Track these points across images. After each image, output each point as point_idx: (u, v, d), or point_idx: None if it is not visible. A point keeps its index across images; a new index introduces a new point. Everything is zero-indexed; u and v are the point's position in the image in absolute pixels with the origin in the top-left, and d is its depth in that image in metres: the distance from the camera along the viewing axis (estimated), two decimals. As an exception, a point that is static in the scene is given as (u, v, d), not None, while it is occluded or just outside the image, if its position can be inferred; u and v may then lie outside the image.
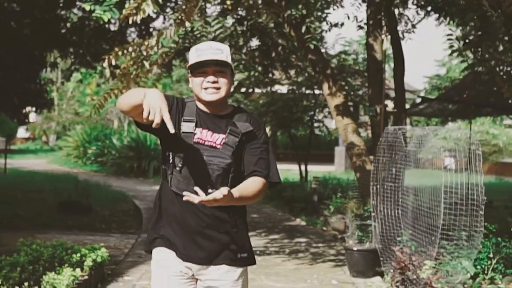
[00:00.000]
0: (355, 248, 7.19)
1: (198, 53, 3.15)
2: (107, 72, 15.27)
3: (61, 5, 12.46)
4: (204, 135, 3.14)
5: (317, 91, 15.18)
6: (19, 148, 35.32)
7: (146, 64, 6.80)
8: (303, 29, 8.76)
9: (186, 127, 3.14)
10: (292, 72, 12.38)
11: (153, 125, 2.77)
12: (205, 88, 3.13)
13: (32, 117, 23.74)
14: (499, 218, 8.95)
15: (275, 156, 3.37)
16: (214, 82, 3.12)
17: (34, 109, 16.47)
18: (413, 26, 9.98)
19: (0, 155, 20.82)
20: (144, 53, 6.71)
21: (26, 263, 6.06)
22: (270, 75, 11.59)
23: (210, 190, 2.88)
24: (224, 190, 2.83)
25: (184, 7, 6.14)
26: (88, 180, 17.01)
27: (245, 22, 9.50)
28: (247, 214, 3.36)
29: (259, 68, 10.89)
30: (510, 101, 15.26)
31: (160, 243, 3.15)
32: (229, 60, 3.17)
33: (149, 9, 5.74)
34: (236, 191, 3.00)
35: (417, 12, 10.11)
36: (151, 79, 7.23)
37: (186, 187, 3.00)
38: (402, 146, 6.49)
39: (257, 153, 3.22)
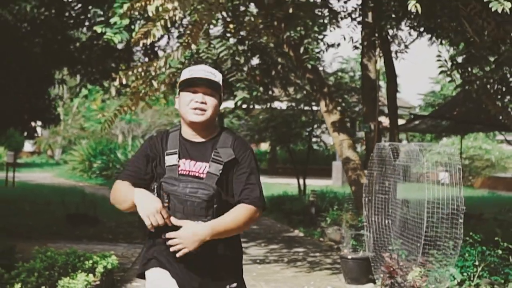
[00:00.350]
0: (349, 257, 7.46)
1: (191, 73, 3.14)
2: (113, 90, 15.58)
3: (71, 25, 12.71)
4: (187, 166, 3.10)
5: (315, 108, 15.37)
6: (25, 162, 35.40)
7: (155, 83, 7.12)
8: (301, 49, 9.10)
9: (170, 160, 3.11)
10: (291, 89, 12.64)
11: (156, 225, 2.89)
12: (193, 109, 3.09)
13: (38, 131, 24.10)
14: (488, 230, 9.23)
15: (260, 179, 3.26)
16: (202, 103, 3.08)
17: (41, 124, 16.68)
18: (406, 46, 10.32)
19: (8, 168, 21.05)
20: (153, 73, 7.04)
21: (42, 269, 6.38)
22: (270, 92, 11.87)
23: (197, 222, 2.99)
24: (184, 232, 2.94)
25: (190, 31, 6.47)
26: (94, 193, 17.11)
27: (246, 42, 9.77)
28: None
29: (261, 88, 11.15)
30: (500, 118, 15.56)
31: (154, 264, 3.14)
32: (220, 82, 3.15)
33: (158, 33, 6.06)
34: (216, 223, 3.01)
35: (409, 33, 10.45)
36: (158, 96, 7.55)
37: (169, 220, 2.99)
38: (391, 160, 6.80)
39: (243, 180, 3.15)
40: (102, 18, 10.52)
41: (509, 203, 17.28)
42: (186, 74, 3.16)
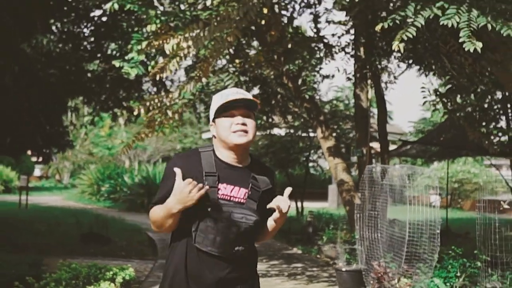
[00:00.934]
0: (343, 269, 7.86)
1: (224, 97, 2.96)
2: (121, 118, 15.89)
3: (86, 58, 12.97)
4: (228, 191, 2.93)
5: (312, 134, 15.73)
6: (35, 186, 35.63)
7: (169, 113, 7.62)
8: (299, 81, 9.61)
9: (209, 181, 2.90)
10: (289, 117, 12.98)
11: (196, 197, 2.75)
12: (234, 132, 2.92)
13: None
14: (472, 245, 9.68)
15: None
16: (243, 124, 2.93)
17: (56, 149, 16.90)
18: (395, 77, 10.75)
19: (21, 191, 21.41)
20: (168, 104, 7.56)
21: (68, 279, 6.78)
22: (270, 119, 12.29)
23: (236, 248, 2.87)
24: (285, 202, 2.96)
25: (201, 66, 7.00)
26: (104, 214, 17.32)
27: (248, 73, 10.01)
28: None
29: (264, 117, 11.49)
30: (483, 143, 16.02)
31: None
32: (256, 100, 3.00)
33: (173, 68, 6.59)
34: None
35: (398, 65, 10.91)
36: (171, 124, 8.02)
37: (211, 244, 2.86)
38: (378, 181, 7.31)
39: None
40: (116, 52, 11.00)
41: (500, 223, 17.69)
42: (220, 99, 2.99)
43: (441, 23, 5.63)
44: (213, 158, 2.98)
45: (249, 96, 2.97)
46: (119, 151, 8.53)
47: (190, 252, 2.90)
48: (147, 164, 28.61)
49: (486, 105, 11.06)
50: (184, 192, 2.74)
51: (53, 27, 12.36)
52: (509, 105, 13.98)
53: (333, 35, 10.54)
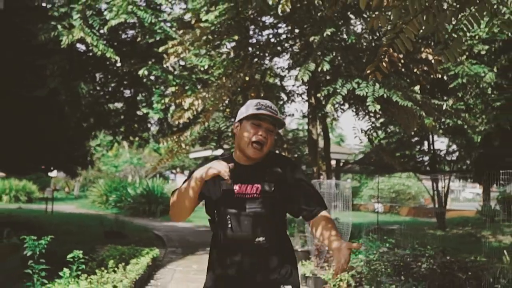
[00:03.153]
0: (299, 249, 9.62)
1: (258, 106, 2.78)
2: (124, 143, 17.27)
3: (112, 100, 14.14)
4: (243, 189, 2.76)
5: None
6: (47, 197, 36.24)
7: (183, 145, 9.74)
8: None
9: (226, 184, 2.73)
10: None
11: (226, 177, 2.52)
12: (254, 142, 2.75)
13: (54, 172, 24.23)
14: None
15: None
16: (264, 137, 2.75)
17: (79, 167, 18.31)
18: (335, 119, 12.90)
19: (47, 201, 22.29)
20: (182, 139, 9.67)
21: (117, 255, 8.59)
22: None
23: (257, 239, 2.70)
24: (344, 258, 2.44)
25: (205, 115, 9.13)
26: (116, 218, 17.11)
27: (234, 117, 11.54)
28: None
29: None
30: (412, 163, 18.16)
31: None
32: (282, 122, 2.82)
33: (190, 115, 8.72)
34: (337, 238, 2.62)
35: (342, 108, 13.04)
36: (183, 152, 10.05)
37: (234, 240, 2.72)
38: (330, 191, 9.25)
39: (305, 191, 2.83)
40: (142, 101, 12.68)
41: (424, 225, 19.55)
42: (255, 107, 2.80)
43: (356, 93, 7.94)
44: (231, 162, 2.77)
45: (278, 116, 2.79)
46: (123, 169, 10.44)
47: (219, 249, 2.81)
48: (146, 179, 29.22)
49: (412, 133, 12.79)
50: (214, 165, 2.57)
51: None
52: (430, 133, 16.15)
53: (293, 85, 12.57)
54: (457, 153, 18.59)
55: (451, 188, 31.44)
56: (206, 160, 2.96)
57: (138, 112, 14.10)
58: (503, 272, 6.70)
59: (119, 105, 15.05)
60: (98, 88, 13.45)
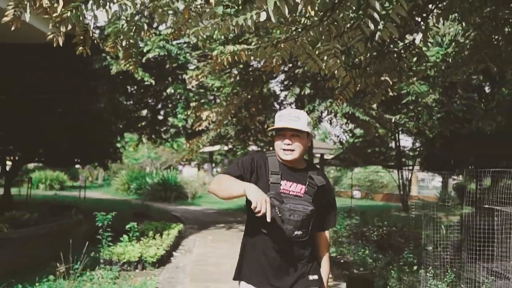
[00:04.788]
0: None
1: (279, 119, 2.80)
2: (144, 139, 18.85)
3: (139, 108, 15.64)
4: (288, 186, 2.76)
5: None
6: (74, 185, 37.35)
7: (201, 145, 11.45)
8: (265, 125, 13.42)
9: (274, 178, 2.75)
10: (261, 143, 16.59)
11: (259, 215, 2.37)
12: (283, 149, 2.76)
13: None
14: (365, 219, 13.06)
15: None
16: (288, 145, 2.74)
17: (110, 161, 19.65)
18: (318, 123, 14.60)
19: (80, 188, 23.23)
20: (200, 141, 11.39)
21: (154, 228, 10.10)
22: (246, 144, 15.80)
23: (296, 232, 2.68)
24: None
25: (216, 125, 10.85)
26: (139, 203, 19.13)
27: (239, 124, 13.04)
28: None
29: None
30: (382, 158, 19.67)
31: (243, 277, 2.84)
32: (303, 127, 2.74)
33: (206, 123, 10.44)
34: (327, 265, 2.91)
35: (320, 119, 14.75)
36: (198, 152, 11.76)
37: (275, 229, 2.67)
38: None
39: (330, 209, 2.95)
40: (168, 112, 14.27)
41: (393, 208, 21.07)
42: (276, 120, 2.84)
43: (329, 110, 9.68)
44: (277, 161, 2.84)
45: (299, 119, 2.76)
46: (142, 162, 12.01)
47: (259, 236, 2.77)
48: (161, 170, 29.92)
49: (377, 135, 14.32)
50: (261, 199, 2.39)
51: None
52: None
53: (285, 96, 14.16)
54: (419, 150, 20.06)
55: (422, 178, 32.90)
56: (256, 154, 2.95)
57: (159, 117, 15.61)
58: (435, 240, 8.26)
59: (143, 111, 16.47)
60: (131, 100, 15.02)
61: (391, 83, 5.10)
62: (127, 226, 8.38)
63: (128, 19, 3.43)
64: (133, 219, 13.92)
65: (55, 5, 3.29)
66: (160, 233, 9.89)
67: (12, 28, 3.09)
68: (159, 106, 14.74)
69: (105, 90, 11.18)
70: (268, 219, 2.40)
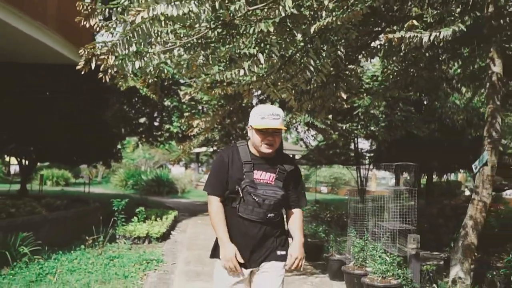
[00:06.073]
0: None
1: (261, 116, 2.75)
2: (140, 145, 19.95)
3: (138, 116, 16.67)
4: (259, 175, 2.79)
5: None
6: (84, 182, 36.41)
7: (192, 148, 12.83)
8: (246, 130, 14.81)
9: (247, 167, 2.77)
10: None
11: (229, 273, 2.71)
12: (265, 144, 2.76)
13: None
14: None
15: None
16: (271, 140, 2.77)
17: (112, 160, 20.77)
18: (289, 129, 16.16)
19: (85, 184, 22.77)
20: (191, 144, 12.76)
21: (155, 213, 11.34)
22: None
23: (269, 215, 2.78)
24: (296, 256, 2.82)
25: (206, 129, 12.24)
26: (137, 196, 19.46)
27: (222, 130, 14.85)
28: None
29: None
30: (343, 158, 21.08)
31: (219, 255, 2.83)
32: (283, 126, 2.77)
33: (197, 130, 11.82)
34: (299, 233, 2.89)
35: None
36: (189, 153, 13.12)
37: (250, 212, 2.77)
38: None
39: (298, 189, 2.97)
40: (164, 120, 15.61)
41: (352, 201, 22.28)
42: (257, 117, 2.78)
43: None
44: (248, 151, 2.85)
45: (279, 117, 2.75)
46: (138, 161, 13.30)
47: (236, 218, 2.80)
48: (154, 168, 30.69)
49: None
50: (229, 262, 2.70)
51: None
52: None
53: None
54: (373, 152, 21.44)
55: (383, 176, 34.25)
56: (223, 151, 2.93)
57: (155, 123, 16.80)
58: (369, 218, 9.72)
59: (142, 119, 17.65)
60: (133, 110, 16.24)
61: (332, 105, 6.60)
62: (137, 210, 9.76)
63: (155, 66, 4.87)
64: (136, 208, 15.57)
65: (109, 57, 4.68)
66: (160, 217, 11.19)
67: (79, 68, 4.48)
68: (155, 114, 16.00)
69: (114, 101, 12.51)
70: (238, 277, 2.76)
